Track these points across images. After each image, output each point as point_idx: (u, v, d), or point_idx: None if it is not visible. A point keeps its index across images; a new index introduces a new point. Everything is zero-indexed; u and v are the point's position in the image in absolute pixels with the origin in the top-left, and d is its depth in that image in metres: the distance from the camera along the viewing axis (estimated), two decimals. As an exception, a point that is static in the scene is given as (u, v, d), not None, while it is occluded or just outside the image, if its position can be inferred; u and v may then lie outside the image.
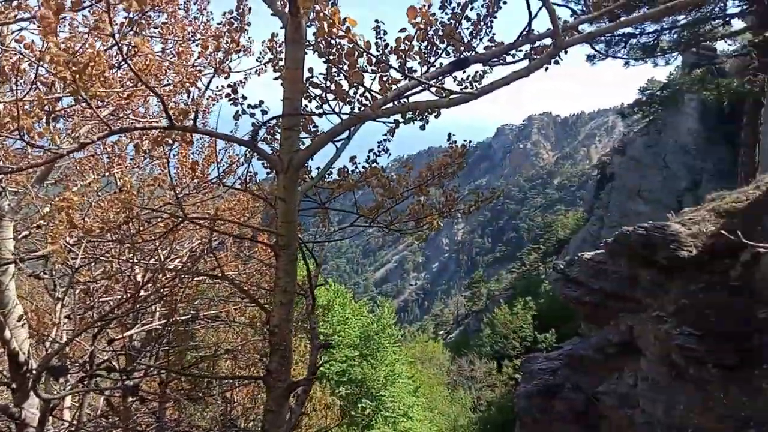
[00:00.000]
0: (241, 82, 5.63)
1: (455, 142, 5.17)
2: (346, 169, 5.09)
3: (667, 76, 48.81)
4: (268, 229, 3.84)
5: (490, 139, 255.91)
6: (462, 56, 3.07)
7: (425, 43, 2.98)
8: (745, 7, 14.34)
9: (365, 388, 22.43)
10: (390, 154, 5.39)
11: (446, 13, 3.95)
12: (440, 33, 3.33)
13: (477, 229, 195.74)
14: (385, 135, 5.24)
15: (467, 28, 4.09)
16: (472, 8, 3.94)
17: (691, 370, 9.63)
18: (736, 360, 9.41)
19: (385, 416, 22.61)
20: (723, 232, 9.02)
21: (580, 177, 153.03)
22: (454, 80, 4.57)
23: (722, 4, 14.25)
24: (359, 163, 5.24)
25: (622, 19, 2.76)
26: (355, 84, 3.06)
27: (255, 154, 3.25)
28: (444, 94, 2.95)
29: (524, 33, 3.03)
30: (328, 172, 3.91)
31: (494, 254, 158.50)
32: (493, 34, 4.11)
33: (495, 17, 4.15)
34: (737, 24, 15.87)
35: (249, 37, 6.32)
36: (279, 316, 3.12)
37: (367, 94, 3.16)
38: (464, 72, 4.52)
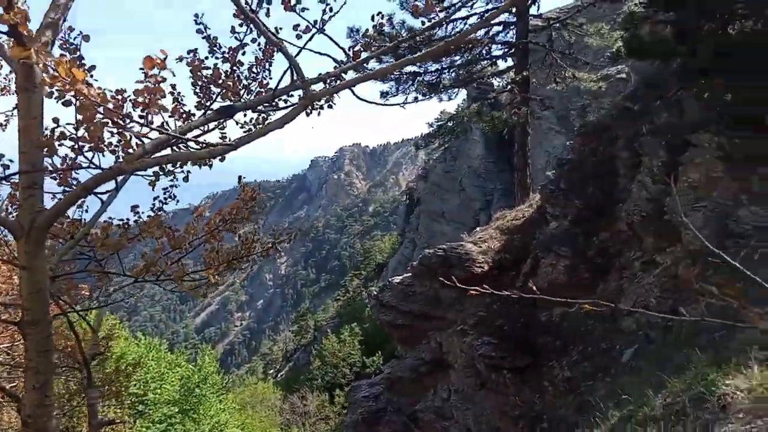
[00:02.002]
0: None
1: (245, 185, 5.05)
2: (126, 220, 4.68)
3: (456, 108, 54.62)
4: (7, 302, 3.32)
5: (306, 171, 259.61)
6: (228, 104, 3.01)
7: (174, 93, 2.85)
8: (506, 50, 16.74)
9: (189, 447, 20.72)
10: (178, 201, 5.10)
11: (216, 58, 3.87)
12: (208, 78, 3.23)
13: (300, 261, 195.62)
14: (171, 181, 4.94)
15: (242, 73, 4.06)
16: (243, 53, 3.92)
17: (493, 376, 10.55)
18: (528, 361, 10.56)
19: (213, 474, 21.12)
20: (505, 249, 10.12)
21: (391, 203, 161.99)
22: (237, 123, 4.49)
23: (489, 48, 16.46)
24: (142, 213, 4.86)
25: (370, 70, 2.94)
26: (119, 132, 2.82)
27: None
28: (201, 146, 2.85)
29: (282, 82, 3.06)
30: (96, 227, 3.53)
31: (319, 284, 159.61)
32: (269, 79, 4.12)
33: (270, 62, 4.18)
34: (502, 64, 18.55)
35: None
36: (31, 402, 2.69)
37: (136, 141, 2.95)
38: (245, 116, 4.46)
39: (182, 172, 3.33)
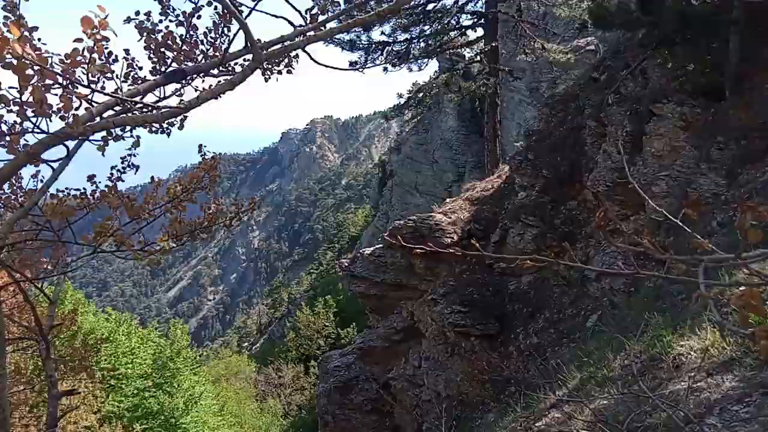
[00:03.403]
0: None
1: (205, 154, 4.96)
2: (84, 189, 4.57)
3: (428, 79, 54.33)
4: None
5: (277, 144, 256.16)
6: (177, 68, 2.92)
7: (109, 54, 2.75)
8: (476, 20, 16.62)
9: (164, 418, 20.73)
10: (137, 169, 4.98)
11: (170, 21, 3.74)
12: (159, 42, 3.12)
13: (273, 234, 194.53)
14: (129, 149, 4.82)
15: (198, 38, 3.94)
16: (199, 17, 3.80)
17: (462, 344, 10.76)
18: (497, 328, 10.79)
19: (189, 444, 21.22)
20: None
21: (365, 176, 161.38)
22: (195, 91, 4.38)
23: (458, 17, 16.33)
24: (100, 182, 4.73)
25: (323, 28, 2.88)
26: (71, 98, 2.72)
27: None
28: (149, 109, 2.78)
29: (234, 46, 2.98)
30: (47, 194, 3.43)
31: (292, 258, 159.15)
32: (228, 45, 4.02)
33: (229, 27, 4.06)
34: (472, 35, 18.42)
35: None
36: (-15, 375, 2.65)
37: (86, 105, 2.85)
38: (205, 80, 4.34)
39: (132, 137, 3.24)
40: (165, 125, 4.05)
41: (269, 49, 2.78)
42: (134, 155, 4.72)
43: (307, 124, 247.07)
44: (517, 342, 10.03)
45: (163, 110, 2.64)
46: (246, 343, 77.17)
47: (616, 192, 9.63)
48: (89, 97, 2.36)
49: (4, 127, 2.72)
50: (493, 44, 16.19)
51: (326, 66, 3.10)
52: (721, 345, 4.16)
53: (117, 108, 2.88)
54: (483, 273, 11.85)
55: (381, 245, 13.58)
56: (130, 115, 2.71)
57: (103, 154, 2.93)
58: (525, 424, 4.97)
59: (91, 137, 2.65)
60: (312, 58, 2.81)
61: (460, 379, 10.59)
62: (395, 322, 12.94)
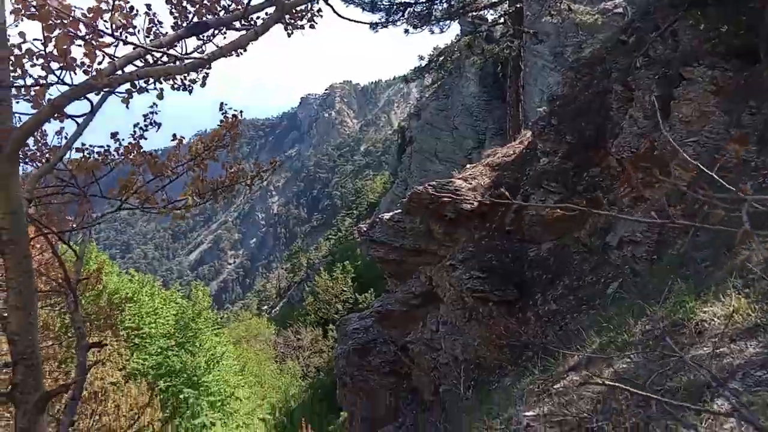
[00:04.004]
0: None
1: (226, 112, 4.95)
2: (107, 147, 4.60)
3: (450, 43, 53.30)
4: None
5: (295, 109, 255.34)
6: (199, 21, 2.88)
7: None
8: (500, -21, 16.14)
9: (186, 376, 21.38)
10: (160, 127, 4.99)
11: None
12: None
13: (292, 200, 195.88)
14: (152, 107, 4.83)
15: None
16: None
17: (480, 309, 10.80)
18: (516, 294, 10.79)
19: (210, 401, 21.89)
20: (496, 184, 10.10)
21: (383, 142, 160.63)
22: (217, 47, 4.34)
23: (482, -24, 15.89)
24: (123, 139, 4.76)
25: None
26: (95, 51, 2.71)
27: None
28: (173, 61, 2.76)
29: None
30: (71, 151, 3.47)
31: (311, 224, 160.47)
32: None
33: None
34: (495, -5, 17.84)
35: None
36: (17, 322, 2.71)
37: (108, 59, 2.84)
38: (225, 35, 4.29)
39: (156, 89, 3.23)
40: (187, 82, 4.03)
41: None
42: (156, 112, 4.74)
43: (326, 89, 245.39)
44: (536, 308, 10.03)
45: (186, 62, 2.62)
46: (265, 306, 78.63)
47: (642, 158, 9.44)
48: (112, 51, 2.35)
49: (30, 81, 2.72)
50: (518, 5, 15.72)
51: (349, 19, 3.03)
52: (746, 311, 4.11)
53: (139, 63, 2.86)
54: (502, 239, 11.80)
55: (400, 210, 13.57)
56: (156, 67, 2.70)
57: (127, 107, 2.93)
58: (543, 386, 4.99)
59: (115, 90, 2.65)
60: (335, 11, 2.74)
61: (477, 343, 10.67)
62: (413, 287, 13.02)
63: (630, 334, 4.96)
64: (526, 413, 4.47)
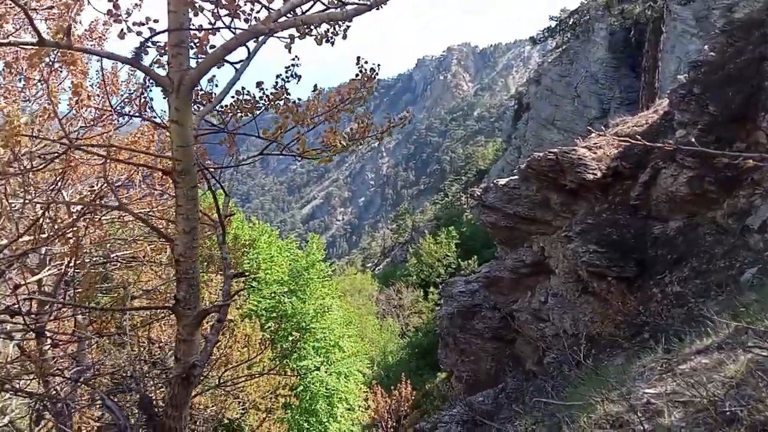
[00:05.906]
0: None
1: (362, 66, 5.05)
2: (251, 94, 4.90)
3: (579, 4, 50.01)
4: (163, 155, 3.67)
5: (411, 71, 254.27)
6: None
7: None
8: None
9: (295, 322, 22.74)
10: (300, 79, 5.22)
11: None
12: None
13: (401, 162, 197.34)
14: (293, 59, 5.06)
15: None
16: None
17: (595, 284, 10.42)
18: (636, 271, 10.27)
19: (315, 347, 23.12)
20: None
21: (498, 108, 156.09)
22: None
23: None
24: (266, 89, 5.05)
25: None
26: None
27: (151, 79, 3.06)
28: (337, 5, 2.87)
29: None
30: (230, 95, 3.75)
31: (418, 187, 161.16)
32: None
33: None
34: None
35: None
36: (183, 244, 3.04)
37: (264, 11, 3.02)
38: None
39: (316, 36, 3.37)
40: (330, 34, 4.15)
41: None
42: (298, 65, 4.95)
43: (443, 51, 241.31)
44: (658, 288, 9.48)
45: (348, 8, 2.72)
46: (370, 264, 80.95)
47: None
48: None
49: (195, 25, 2.96)
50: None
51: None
52: None
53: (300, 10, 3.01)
54: (625, 214, 11.19)
55: (516, 177, 13.26)
56: (317, 12, 2.84)
57: (289, 51, 3.10)
58: (666, 365, 4.77)
59: (278, 34, 2.83)
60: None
61: (589, 318, 10.35)
62: (524, 256, 12.80)
63: (772, 323, 4.57)
64: (647, 390, 4.31)
